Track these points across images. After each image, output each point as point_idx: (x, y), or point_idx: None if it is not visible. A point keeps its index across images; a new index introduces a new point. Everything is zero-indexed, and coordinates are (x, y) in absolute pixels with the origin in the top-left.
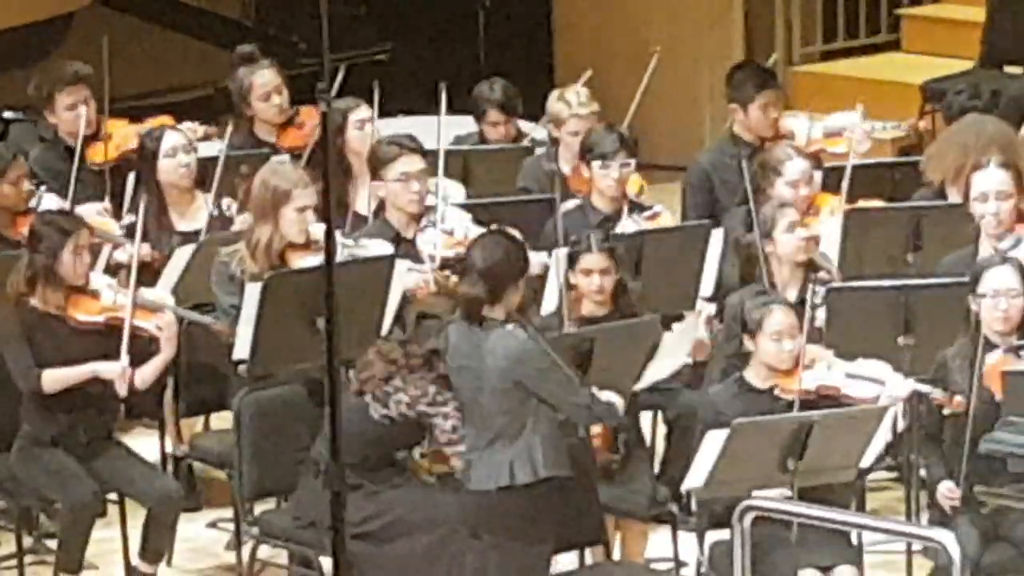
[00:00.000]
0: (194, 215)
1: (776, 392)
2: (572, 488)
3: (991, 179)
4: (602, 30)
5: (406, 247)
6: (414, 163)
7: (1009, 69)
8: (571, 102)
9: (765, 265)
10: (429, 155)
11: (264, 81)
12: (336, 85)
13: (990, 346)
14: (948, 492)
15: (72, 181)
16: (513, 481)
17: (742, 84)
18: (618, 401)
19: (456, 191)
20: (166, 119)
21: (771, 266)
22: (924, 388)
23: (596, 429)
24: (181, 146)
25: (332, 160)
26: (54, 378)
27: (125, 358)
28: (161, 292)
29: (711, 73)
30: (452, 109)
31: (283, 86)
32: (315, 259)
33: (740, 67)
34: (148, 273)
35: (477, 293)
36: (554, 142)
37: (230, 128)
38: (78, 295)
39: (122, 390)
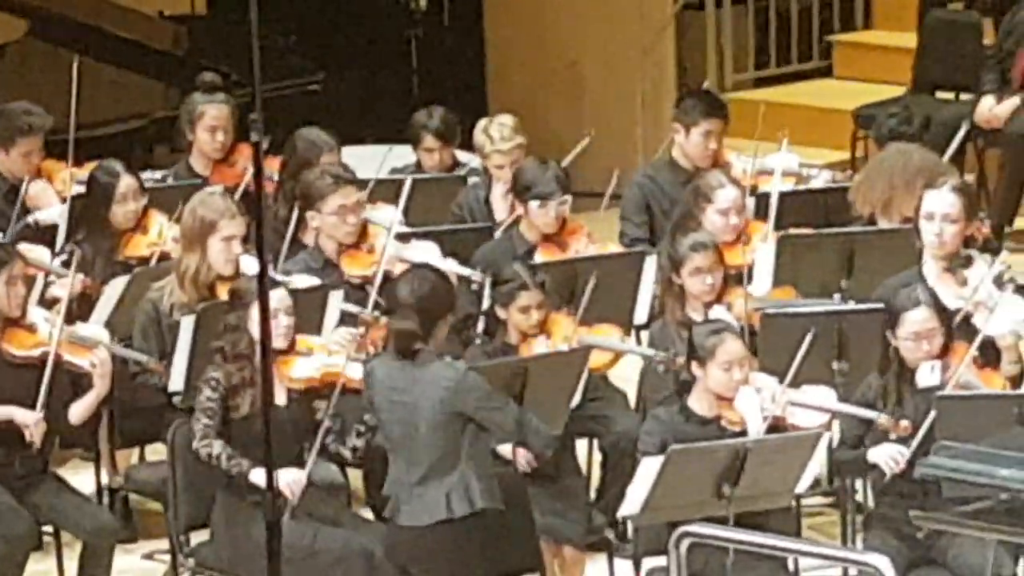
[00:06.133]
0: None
1: (723, 423)
2: (506, 517)
3: (941, 201)
4: (535, 58)
5: (335, 273)
6: (350, 195)
7: (940, 94)
8: (493, 137)
9: (671, 296)
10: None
11: (216, 114)
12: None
13: (912, 377)
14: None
15: (13, 221)
16: (451, 515)
17: (691, 107)
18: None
19: (390, 216)
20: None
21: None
22: (870, 414)
23: None
24: (133, 191)
25: (264, 192)
26: None
27: (41, 410)
28: (96, 327)
29: (644, 100)
30: (384, 139)
31: (231, 127)
32: None
33: (694, 92)
34: (86, 304)
35: (410, 327)
36: (486, 170)
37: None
38: (13, 328)
39: (36, 439)
